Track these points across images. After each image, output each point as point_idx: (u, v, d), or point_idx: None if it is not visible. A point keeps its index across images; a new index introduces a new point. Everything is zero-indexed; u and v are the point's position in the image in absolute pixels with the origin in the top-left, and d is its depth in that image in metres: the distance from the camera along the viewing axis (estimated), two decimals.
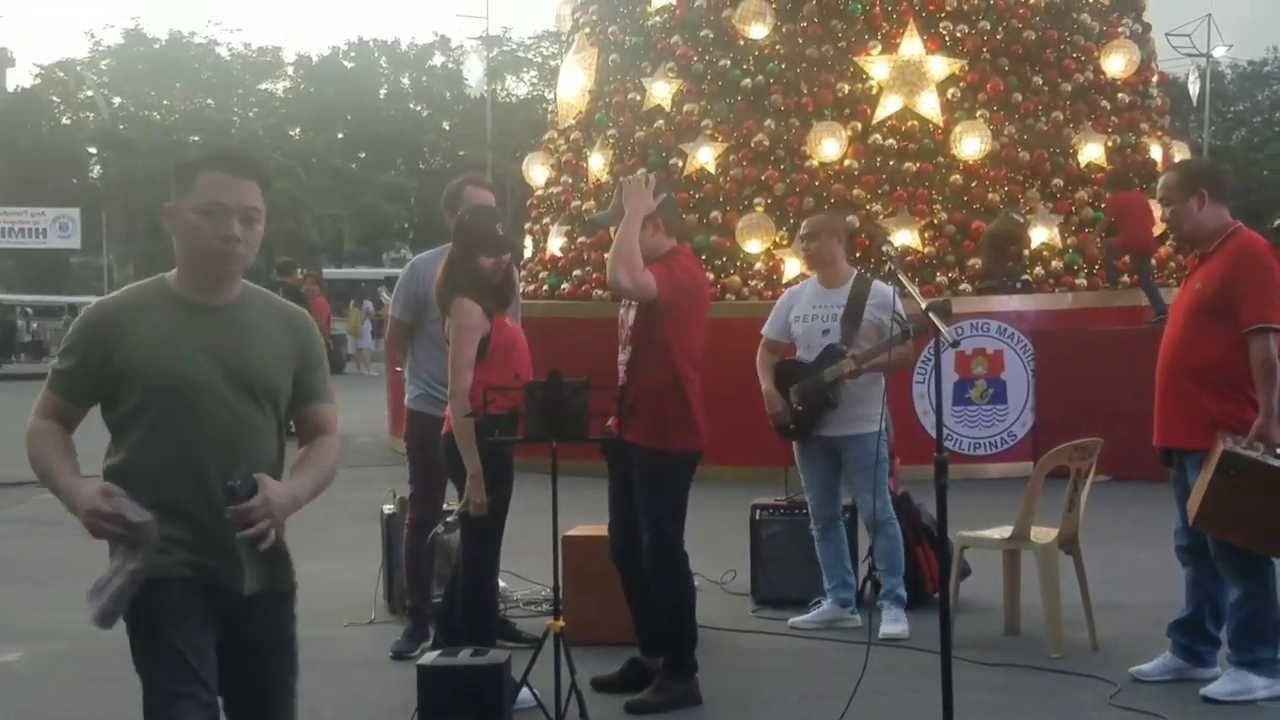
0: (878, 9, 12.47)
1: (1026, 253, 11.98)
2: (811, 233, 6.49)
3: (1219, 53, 41.03)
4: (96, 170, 48.09)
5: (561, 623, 5.00)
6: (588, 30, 14.02)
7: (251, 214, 3.05)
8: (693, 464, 5.33)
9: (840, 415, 6.26)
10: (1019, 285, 11.76)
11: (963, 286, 11.70)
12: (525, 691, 5.00)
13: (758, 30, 12.56)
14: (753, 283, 11.92)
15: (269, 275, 17.10)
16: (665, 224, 5.30)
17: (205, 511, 3.04)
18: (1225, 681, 5.21)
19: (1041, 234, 12.21)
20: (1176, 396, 5.22)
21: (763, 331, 6.65)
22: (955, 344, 4.31)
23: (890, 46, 12.40)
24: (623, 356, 5.34)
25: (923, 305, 4.44)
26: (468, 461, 5.10)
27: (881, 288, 6.35)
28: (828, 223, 6.58)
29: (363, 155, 47.23)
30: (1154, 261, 12.61)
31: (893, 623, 6.24)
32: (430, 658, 4.62)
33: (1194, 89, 37.46)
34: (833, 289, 6.42)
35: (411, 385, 6.21)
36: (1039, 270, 12.04)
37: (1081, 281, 12.10)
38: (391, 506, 6.78)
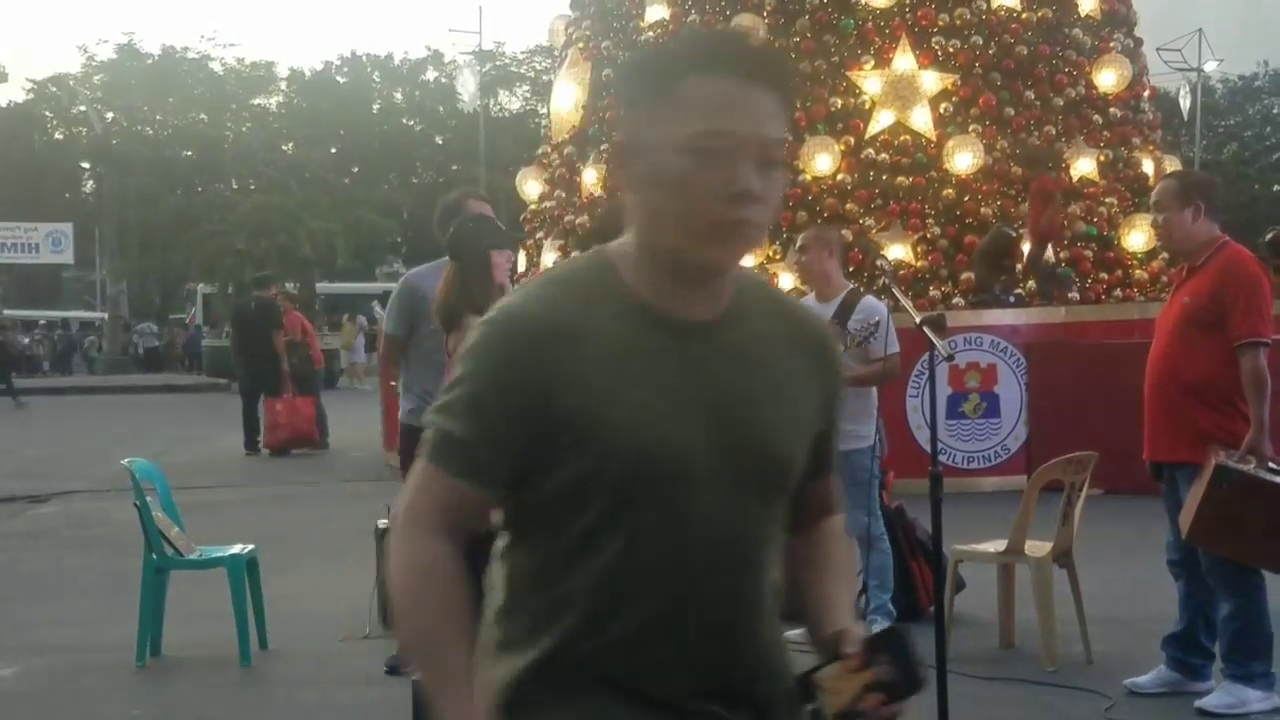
0: (870, 24, 12.51)
1: (1019, 267, 12.00)
2: (803, 246, 6.54)
3: (1210, 67, 41.16)
4: (89, 185, 48.06)
5: None
6: (581, 45, 14.06)
7: (772, 152, 1.72)
8: None
9: None
10: (1012, 299, 11.78)
11: (955, 300, 11.72)
12: None
13: None
14: None
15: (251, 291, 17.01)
16: None
17: (686, 679, 1.83)
18: (1219, 695, 5.21)
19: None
20: (1166, 410, 5.22)
21: None
22: (949, 358, 4.32)
23: (883, 61, 12.44)
24: None
25: (917, 319, 4.46)
26: None
27: (870, 303, 6.34)
28: (819, 237, 6.60)
29: (355, 170, 47.25)
30: (1146, 275, 12.64)
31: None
32: None
33: (1185, 103, 37.58)
34: (826, 303, 6.44)
35: (405, 400, 6.22)
36: (1032, 284, 12.06)
37: (1074, 295, 12.13)
38: (387, 521, 6.77)
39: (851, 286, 6.59)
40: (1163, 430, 5.23)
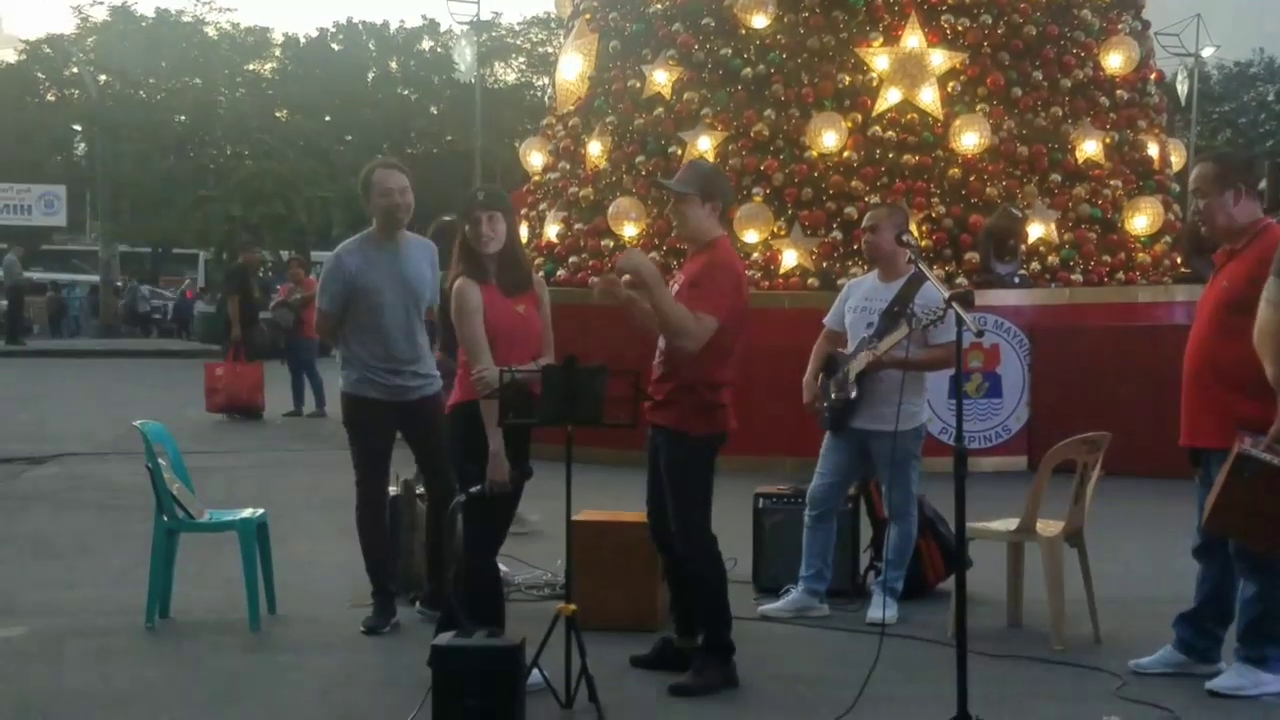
0: (879, 1, 12.45)
1: (1023, 248, 11.99)
2: (872, 225, 6.48)
3: (1207, 53, 41.06)
4: (81, 148, 47.79)
5: (573, 607, 5.02)
6: (588, 16, 13.97)
7: None
8: (712, 449, 5.39)
9: (868, 408, 6.29)
10: (1017, 280, 11.77)
11: (959, 280, 11.69)
12: (535, 674, 5.01)
13: (759, 20, 12.54)
14: (750, 273, 11.90)
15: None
16: (720, 211, 5.41)
17: None
18: (1231, 676, 5.23)
19: (1038, 229, 12.23)
20: (1202, 396, 5.17)
21: (824, 320, 6.71)
22: (979, 334, 4.32)
23: (891, 39, 12.40)
24: (662, 343, 5.39)
25: (945, 295, 4.46)
26: (491, 439, 5.12)
27: (930, 290, 6.06)
28: (890, 215, 6.54)
29: (349, 138, 47.00)
30: (1149, 259, 12.64)
31: (879, 608, 6.26)
32: (445, 638, 4.62)
33: (1182, 89, 37.53)
34: (888, 284, 6.42)
35: (347, 371, 6.27)
36: (1035, 265, 12.06)
37: (1077, 277, 12.12)
38: (395, 488, 6.77)
39: (915, 271, 6.26)
40: (1199, 416, 5.19)
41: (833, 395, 6.41)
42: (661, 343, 5.38)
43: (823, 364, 6.54)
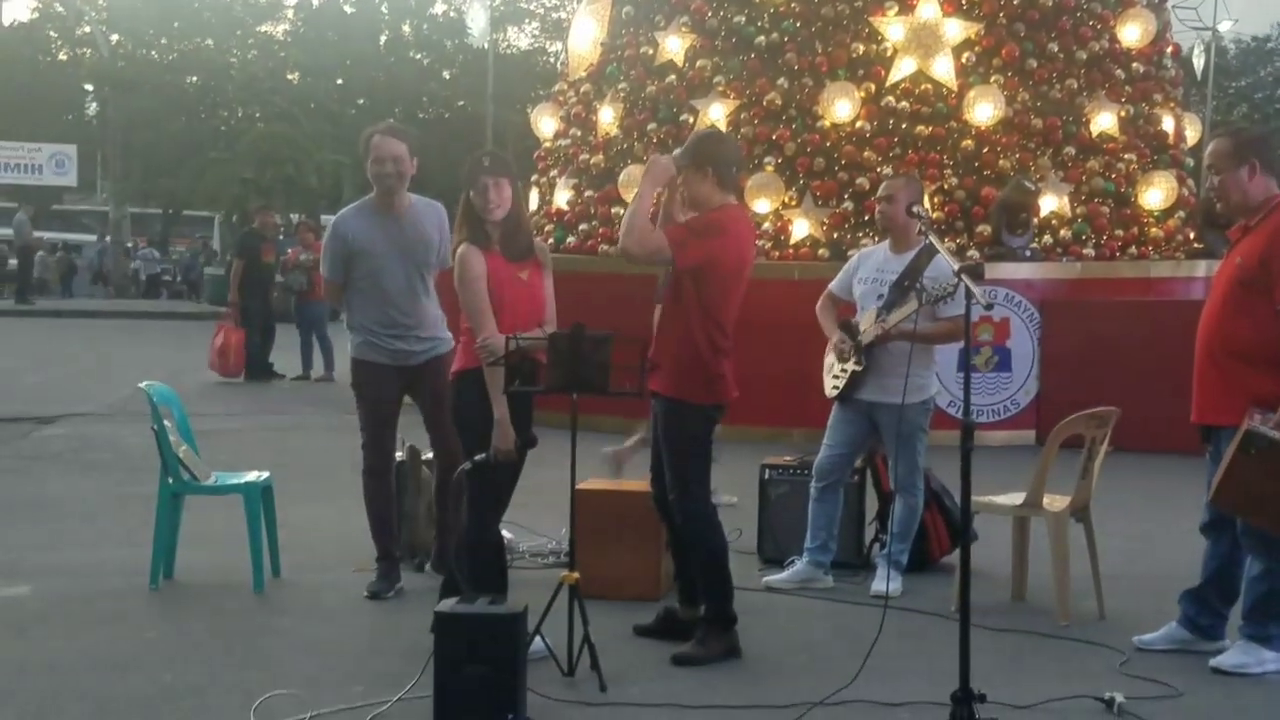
0: None
1: (1035, 221, 11.92)
2: (888, 195, 6.41)
3: (1224, 27, 40.76)
4: (93, 108, 47.71)
5: (576, 575, 5.01)
6: None
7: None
8: (711, 418, 5.37)
9: (876, 380, 6.26)
10: (1028, 253, 11.71)
11: (970, 253, 11.64)
12: (538, 642, 5.01)
13: None
14: (760, 243, 11.85)
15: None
16: (719, 177, 5.30)
17: None
18: (1235, 653, 5.22)
19: (1051, 202, 12.15)
20: (1213, 373, 5.14)
21: (830, 286, 6.69)
22: (989, 307, 4.28)
23: (906, 8, 12.29)
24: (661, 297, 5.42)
25: (955, 267, 4.42)
26: (496, 407, 5.10)
27: (941, 263, 6.01)
28: (906, 186, 6.46)
29: (361, 102, 46.83)
30: (1162, 233, 12.56)
31: (883, 580, 6.24)
32: (448, 605, 4.61)
33: (1199, 63, 37.27)
34: (899, 255, 6.37)
35: (353, 336, 6.38)
36: (1047, 239, 11.99)
37: (1090, 251, 12.05)
38: (400, 454, 6.77)
39: (926, 243, 6.12)
40: (1210, 393, 5.16)
41: (848, 362, 6.37)
42: (660, 297, 5.37)
43: (836, 319, 6.52)
